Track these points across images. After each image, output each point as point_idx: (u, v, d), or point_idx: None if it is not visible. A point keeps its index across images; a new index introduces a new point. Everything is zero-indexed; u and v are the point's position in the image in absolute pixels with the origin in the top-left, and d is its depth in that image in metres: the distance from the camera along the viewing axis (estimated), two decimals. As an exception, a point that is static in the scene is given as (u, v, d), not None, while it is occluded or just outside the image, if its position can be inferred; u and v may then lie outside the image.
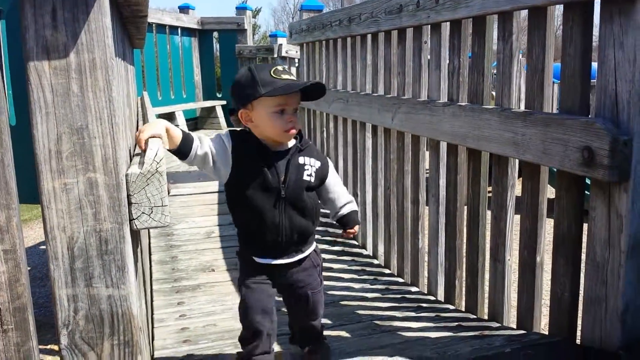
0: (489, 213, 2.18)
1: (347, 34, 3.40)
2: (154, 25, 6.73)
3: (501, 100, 2.01)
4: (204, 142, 1.59)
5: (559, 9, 1.98)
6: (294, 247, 1.68)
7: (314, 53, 4.26)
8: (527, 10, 1.86)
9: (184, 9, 7.71)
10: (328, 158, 1.79)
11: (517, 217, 2.02)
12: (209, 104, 7.51)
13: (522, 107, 1.95)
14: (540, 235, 1.90)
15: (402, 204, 2.89)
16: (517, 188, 2.08)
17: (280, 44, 7.30)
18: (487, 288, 2.23)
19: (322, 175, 1.71)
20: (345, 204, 1.79)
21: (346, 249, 3.45)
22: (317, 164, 1.69)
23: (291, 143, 1.67)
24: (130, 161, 1.43)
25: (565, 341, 1.77)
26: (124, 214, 1.17)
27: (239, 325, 1.73)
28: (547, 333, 1.90)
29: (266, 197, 1.60)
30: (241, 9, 7.97)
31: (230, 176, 1.61)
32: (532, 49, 1.84)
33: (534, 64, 1.83)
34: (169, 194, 1.27)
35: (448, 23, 2.35)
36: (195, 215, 3.91)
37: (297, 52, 6.80)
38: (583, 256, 1.76)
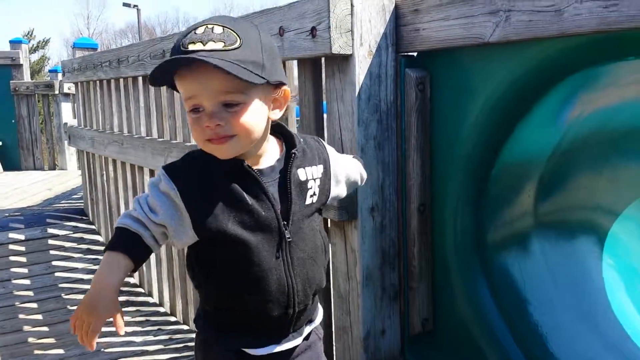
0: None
1: (117, 75, 3.31)
2: None
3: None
4: (144, 221, 1.04)
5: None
6: (304, 316, 1.15)
7: (89, 93, 4.06)
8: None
9: (-56, 42, 6.87)
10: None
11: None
12: (-23, 147, 6.74)
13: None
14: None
15: (184, 248, 2.86)
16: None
17: (61, 80, 6.84)
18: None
19: (326, 182, 1.18)
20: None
21: (131, 298, 3.31)
22: (319, 169, 1.16)
23: (277, 151, 1.13)
24: None
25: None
26: None
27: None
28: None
29: (263, 246, 1.06)
30: (15, 43, 7.32)
31: (197, 235, 1.06)
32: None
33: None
34: None
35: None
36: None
37: (80, 89, 6.44)
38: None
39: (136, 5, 25.79)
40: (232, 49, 0.98)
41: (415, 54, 1.62)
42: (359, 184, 1.40)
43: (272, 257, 1.07)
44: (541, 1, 1.26)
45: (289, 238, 1.08)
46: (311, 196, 1.13)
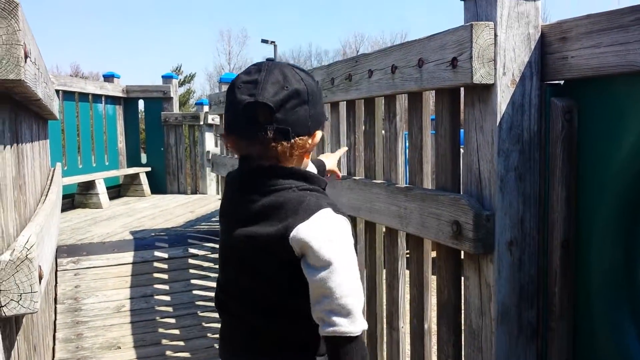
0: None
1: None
2: (76, 93, 6.70)
3: (389, 176, 2.13)
4: None
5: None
6: None
7: (232, 124, 4.35)
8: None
9: (109, 78, 7.73)
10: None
11: (409, 285, 2.11)
12: (132, 170, 7.44)
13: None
14: (427, 302, 1.99)
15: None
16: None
17: (206, 112, 7.40)
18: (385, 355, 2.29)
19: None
20: None
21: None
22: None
23: None
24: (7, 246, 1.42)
25: (450, 408, 1.83)
26: (-11, 303, 1.16)
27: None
28: (436, 400, 1.96)
29: None
30: (167, 78, 8.06)
31: None
32: (411, 128, 1.99)
33: (414, 142, 1.97)
34: (41, 279, 1.27)
35: (344, 102, 2.50)
36: (108, 288, 3.81)
37: (221, 120, 6.93)
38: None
39: (273, 42, 27.29)
40: None
41: (561, 82, 1.56)
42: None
43: None
44: None
45: None
46: None
